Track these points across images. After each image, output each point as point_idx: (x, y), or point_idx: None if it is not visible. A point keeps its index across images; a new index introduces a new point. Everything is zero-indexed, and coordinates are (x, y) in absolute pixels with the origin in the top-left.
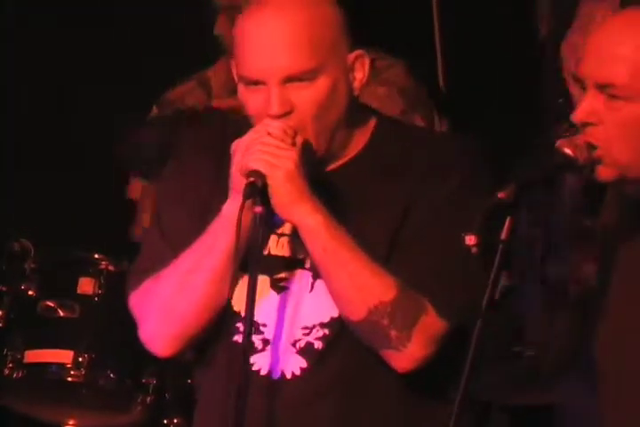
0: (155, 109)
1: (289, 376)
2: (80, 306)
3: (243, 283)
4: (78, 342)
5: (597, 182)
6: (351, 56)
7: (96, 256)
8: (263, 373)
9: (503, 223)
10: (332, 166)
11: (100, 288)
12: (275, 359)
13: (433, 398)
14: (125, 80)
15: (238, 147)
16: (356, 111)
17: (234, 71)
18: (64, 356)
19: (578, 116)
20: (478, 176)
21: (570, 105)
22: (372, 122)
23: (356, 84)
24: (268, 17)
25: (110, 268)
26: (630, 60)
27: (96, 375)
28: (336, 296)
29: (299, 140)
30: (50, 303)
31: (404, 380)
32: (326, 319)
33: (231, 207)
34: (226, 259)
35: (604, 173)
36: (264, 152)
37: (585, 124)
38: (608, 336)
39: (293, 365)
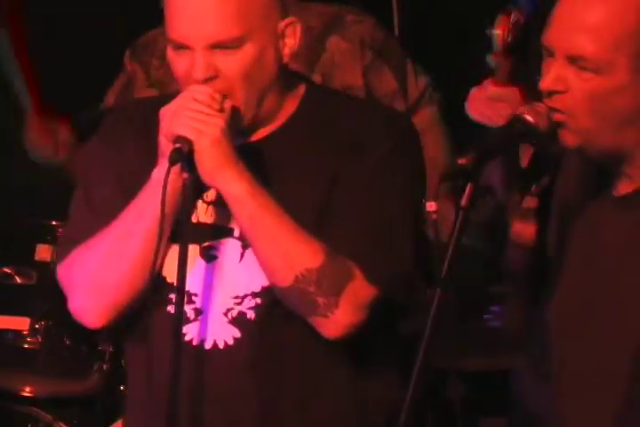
0: (127, 53)
1: (221, 346)
2: (37, 273)
3: (173, 253)
4: (35, 309)
5: (551, 152)
6: (282, 23)
7: (54, 223)
8: (195, 343)
9: (463, 190)
10: (261, 134)
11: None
12: (207, 329)
13: (375, 371)
14: None
15: (165, 113)
16: (286, 78)
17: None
18: (21, 323)
19: (545, 83)
20: (407, 147)
21: None
22: (301, 90)
23: (286, 51)
24: None
25: None
26: (599, 31)
27: (52, 342)
28: (263, 263)
29: (227, 105)
30: (7, 270)
31: (343, 352)
32: (258, 289)
33: (160, 173)
34: (156, 224)
35: (569, 139)
36: (190, 118)
37: (552, 92)
38: (564, 305)
39: (226, 335)
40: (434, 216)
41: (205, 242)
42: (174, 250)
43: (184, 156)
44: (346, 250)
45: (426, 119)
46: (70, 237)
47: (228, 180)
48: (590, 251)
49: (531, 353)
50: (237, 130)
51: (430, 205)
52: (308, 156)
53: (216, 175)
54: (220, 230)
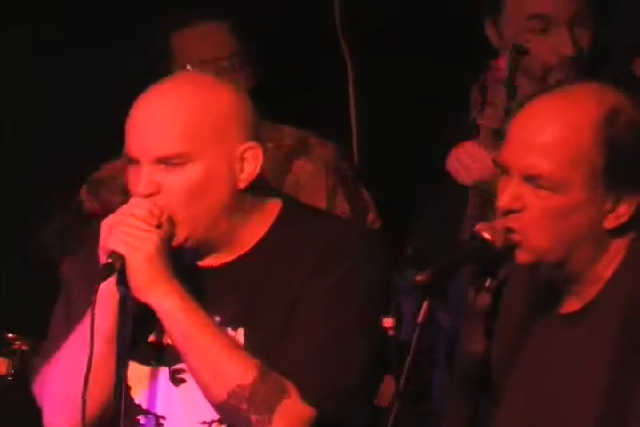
0: (84, 190)
1: None
2: None
3: (141, 374)
4: None
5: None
6: (242, 147)
7: (9, 336)
8: None
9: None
10: (226, 258)
11: (13, 368)
12: None
13: None
14: None
15: (104, 226)
16: (253, 200)
17: None
18: None
19: (502, 202)
20: (369, 263)
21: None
22: (275, 209)
23: (244, 176)
24: (153, 98)
25: (24, 347)
26: (554, 150)
27: None
28: (196, 379)
29: (165, 220)
30: None
31: None
32: None
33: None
34: (101, 341)
35: (522, 258)
36: (125, 233)
37: (509, 212)
38: (510, 424)
39: None
40: (391, 333)
41: (175, 365)
42: (142, 371)
43: (115, 271)
44: (284, 368)
45: None
46: (46, 352)
47: (159, 295)
48: (536, 369)
49: None
50: (184, 247)
51: (387, 322)
52: (272, 281)
53: (147, 291)
54: None
